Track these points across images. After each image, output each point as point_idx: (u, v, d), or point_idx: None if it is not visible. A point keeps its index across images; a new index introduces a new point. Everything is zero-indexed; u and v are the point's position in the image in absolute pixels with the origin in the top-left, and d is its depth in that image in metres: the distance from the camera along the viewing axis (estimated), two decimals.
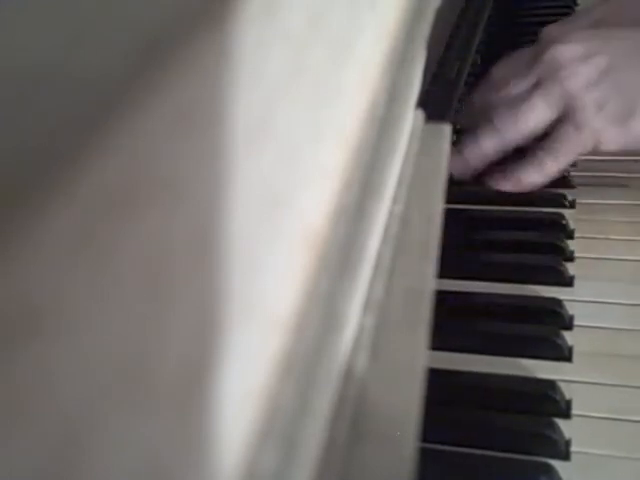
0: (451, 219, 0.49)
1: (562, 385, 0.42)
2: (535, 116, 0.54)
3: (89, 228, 0.14)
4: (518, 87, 0.55)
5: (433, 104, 0.50)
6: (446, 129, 0.48)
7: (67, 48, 0.15)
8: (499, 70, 0.59)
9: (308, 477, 0.24)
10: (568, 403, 0.41)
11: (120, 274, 0.15)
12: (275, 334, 0.25)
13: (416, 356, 0.33)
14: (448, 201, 0.45)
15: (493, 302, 0.48)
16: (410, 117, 0.45)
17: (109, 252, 0.15)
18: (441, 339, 0.41)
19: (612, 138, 0.52)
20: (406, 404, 0.31)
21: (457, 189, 0.54)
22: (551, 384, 0.42)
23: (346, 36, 0.33)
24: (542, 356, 0.44)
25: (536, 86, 0.54)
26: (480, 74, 0.70)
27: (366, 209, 0.34)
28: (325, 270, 0.29)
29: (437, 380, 0.34)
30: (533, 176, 0.54)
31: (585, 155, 0.55)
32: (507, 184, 0.55)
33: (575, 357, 0.44)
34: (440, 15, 0.54)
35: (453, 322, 0.46)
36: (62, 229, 0.13)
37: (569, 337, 0.45)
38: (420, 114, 0.48)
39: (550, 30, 0.58)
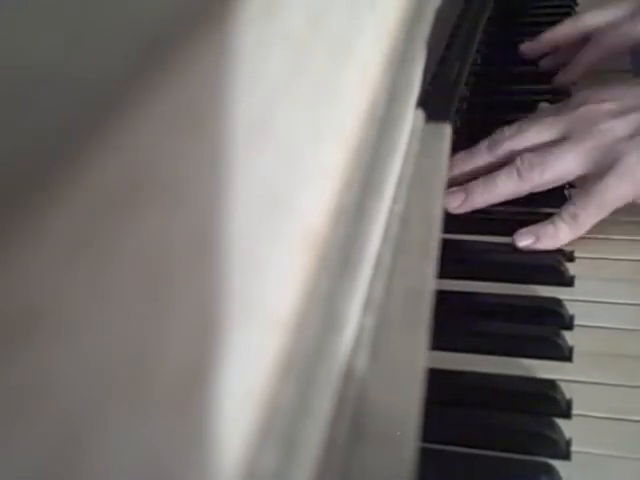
0: (451, 219, 0.49)
1: (562, 385, 0.42)
2: (564, 168, 0.51)
3: (89, 228, 0.14)
4: (544, 136, 0.53)
5: (433, 104, 0.50)
6: (446, 129, 0.48)
7: (67, 48, 0.15)
8: (514, 126, 0.56)
9: (308, 477, 0.24)
10: (568, 403, 0.41)
11: (120, 274, 0.15)
12: (275, 334, 0.25)
13: (416, 356, 0.33)
14: None
15: (493, 302, 0.48)
16: (410, 117, 0.45)
17: (109, 252, 0.15)
18: (441, 339, 0.40)
19: None
20: (406, 404, 0.31)
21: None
22: (551, 384, 0.42)
23: (346, 36, 0.33)
24: (542, 356, 0.44)
25: (566, 138, 0.52)
26: (480, 74, 0.70)
27: (366, 209, 0.34)
28: (325, 270, 0.29)
29: (437, 380, 0.34)
30: (564, 232, 0.51)
31: None
32: (532, 239, 0.51)
33: (575, 357, 0.44)
34: (440, 15, 0.54)
35: (453, 322, 0.46)
36: (62, 229, 0.13)
37: (569, 337, 0.45)
38: (420, 114, 0.48)
39: (580, 93, 0.57)
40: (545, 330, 0.46)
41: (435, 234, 0.40)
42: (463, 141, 0.57)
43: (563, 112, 0.54)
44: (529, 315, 0.47)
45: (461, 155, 0.55)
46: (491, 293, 0.49)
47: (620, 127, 0.51)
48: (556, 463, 0.38)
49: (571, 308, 0.47)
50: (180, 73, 0.17)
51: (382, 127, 0.39)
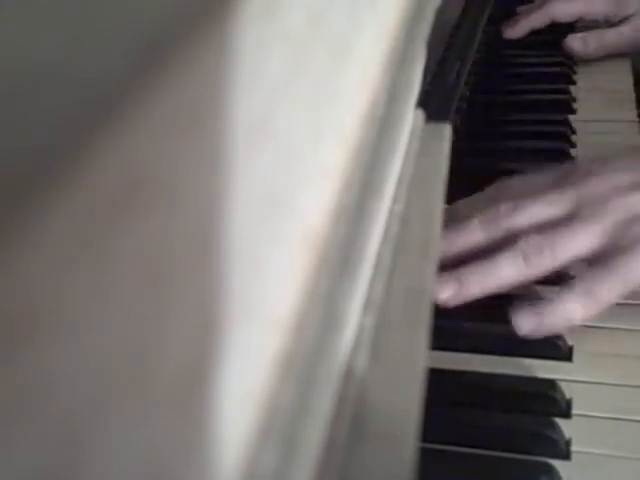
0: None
1: (562, 385, 0.42)
2: (577, 248, 0.44)
3: (89, 228, 0.14)
4: (547, 213, 0.46)
5: (433, 104, 0.50)
6: (446, 129, 0.48)
7: (67, 48, 0.15)
8: (501, 190, 0.49)
9: (308, 477, 0.24)
10: (568, 403, 0.41)
11: (120, 274, 0.15)
12: (275, 334, 0.25)
13: (416, 356, 0.33)
14: (448, 201, 0.45)
15: (493, 302, 0.48)
16: (410, 117, 0.45)
17: (109, 252, 0.15)
18: (441, 339, 0.41)
19: None
20: (406, 404, 0.31)
21: (457, 189, 0.54)
22: (551, 384, 0.42)
23: (346, 36, 0.33)
24: (542, 356, 0.44)
25: (574, 215, 0.45)
26: (480, 74, 0.70)
27: (366, 209, 0.34)
28: (325, 270, 0.29)
29: (437, 380, 0.34)
30: (578, 310, 0.43)
31: None
32: (533, 321, 0.44)
33: (575, 356, 0.44)
34: (440, 15, 0.54)
35: (453, 322, 0.46)
36: (62, 229, 0.13)
37: (569, 336, 0.45)
38: (420, 114, 0.48)
39: (582, 163, 0.52)
40: None
41: (435, 234, 0.40)
42: (463, 141, 0.57)
43: (566, 186, 0.47)
44: None
45: (449, 232, 0.47)
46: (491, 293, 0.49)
47: (637, 200, 0.45)
48: (556, 463, 0.38)
49: None
50: (180, 73, 0.17)
51: (382, 127, 0.39)
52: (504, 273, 0.44)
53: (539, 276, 0.45)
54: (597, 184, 0.46)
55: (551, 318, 0.43)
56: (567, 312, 0.43)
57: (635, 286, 0.43)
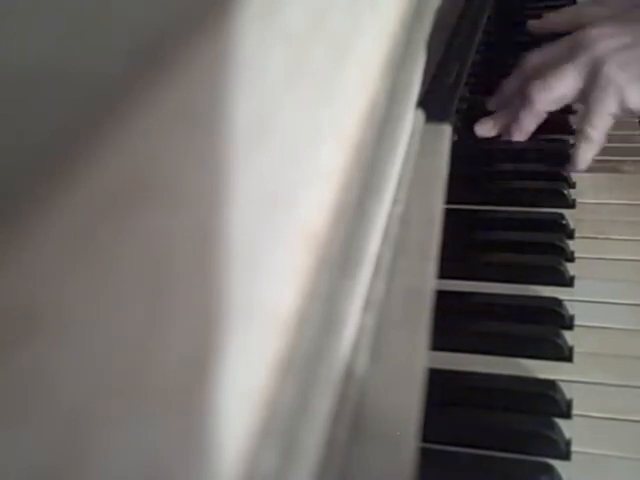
0: (451, 219, 0.49)
1: (562, 385, 0.42)
2: (564, 83, 0.57)
3: (89, 228, 0.14)
4: (550, 62, 0.60)
5: (433, 104, 0.50)
6: (446, 129, 0.48)
7: (67, 48, 0.15)
8: (533, 56, 0.63)
9: (308, 477, 0.24)
10: (568, 403, 0.41)
11: (120, 274, 0.15)
12: (275, 334, 0.25)
13: (416, 356, 0.33)
14: (448, 201, 0.45)
15: (493, 302, 0.48)
16: (410, 117, 0.45)
17: (109, 252, 0.15)
18: (441, 339, 0.40)
19: (635, 95, 0.55)
20: (406, 404, 0.31)
21: (457, 189, 0.54)
22: (551, 384, 0.42)
23: (346, 36, 0.33)
24: (542, 356, 0.44)
25: (567, 58, 0.59)
26: (480, 74, 0.70)
27: (366, 209, 0.34)
28: (325, 270, 0.29)
29: (437, 380, 0.34)
30: (585, 150, 0.57)
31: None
32: (572, 166, 0.58)
33: (575, 357, 0.44)
34: (440, 15, 0.54)
35: (453, 322, 0.46)
36: (62, 229, 0.13)
37: (569, 337, 0.45)
38: (420, 114, 0.48)
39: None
40: (545, 330, 0.46)
41: (435, 234, 0.40)
42: (463, 141, 0.57)
43: (567, 39, 0.60)
44: (529, 315, 0.47)
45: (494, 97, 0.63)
46: (491, 293, 0.49)
47: (613, 43, 0.56)
48: (556, 463, 0.38)
49: (571, 308, 0.47)
50: (180, 73, 0.17)
51: (382, 127, 0.39)
52: (524, 119, 0.59)
53: (546, 109, 0.58)
54: (588, 32, 0.58)
55: (576, 159, 0.57)
56: (580, 152, 0.57)
57: (610, 115, 0.55)
